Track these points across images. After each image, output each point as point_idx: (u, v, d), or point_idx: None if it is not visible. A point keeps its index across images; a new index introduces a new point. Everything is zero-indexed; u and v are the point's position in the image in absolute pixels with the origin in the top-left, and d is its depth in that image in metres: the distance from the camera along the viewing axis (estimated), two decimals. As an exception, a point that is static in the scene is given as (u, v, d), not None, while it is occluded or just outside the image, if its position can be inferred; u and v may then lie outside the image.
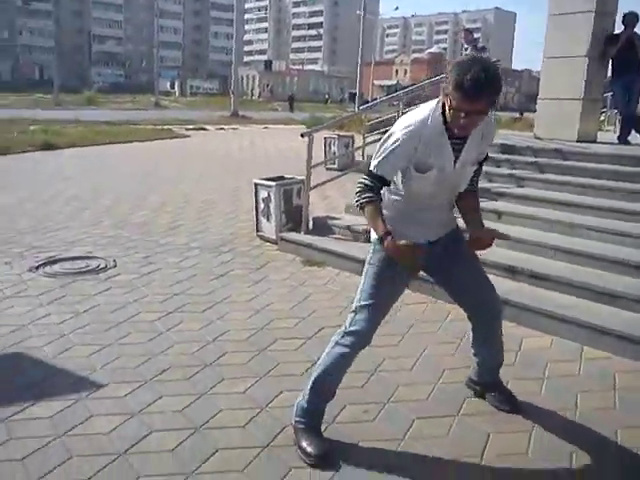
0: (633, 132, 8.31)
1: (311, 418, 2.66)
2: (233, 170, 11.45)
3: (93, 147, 14.83)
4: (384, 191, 2.53)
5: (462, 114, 2.25)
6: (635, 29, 8.07)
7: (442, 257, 2.70)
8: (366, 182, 2.47)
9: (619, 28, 8.10)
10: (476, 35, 12.55)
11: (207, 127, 22.32)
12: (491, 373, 3.04)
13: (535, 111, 9.24)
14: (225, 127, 23.16)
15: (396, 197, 2.58)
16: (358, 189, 2.49)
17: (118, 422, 2.77)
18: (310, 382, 2.67)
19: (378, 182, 2.46)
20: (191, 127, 21.68)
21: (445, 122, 2.36)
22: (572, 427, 2.87)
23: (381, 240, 2.44)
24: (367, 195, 2.46)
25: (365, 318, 2.59)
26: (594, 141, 8.20)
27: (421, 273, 2.87)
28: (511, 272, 4.53)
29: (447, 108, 2.30)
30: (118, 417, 2.81)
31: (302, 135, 6.18)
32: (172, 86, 79.82)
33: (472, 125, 2.33)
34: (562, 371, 3.42)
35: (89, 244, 5.82)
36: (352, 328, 2.61)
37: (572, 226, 5.00)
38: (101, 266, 5.10)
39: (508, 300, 4.16)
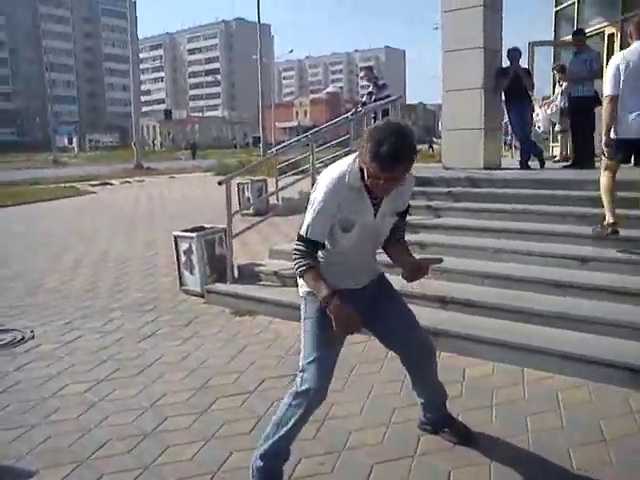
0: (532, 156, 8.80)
1: (270, 479, 2.52)
2: (145, 223, 11.13)
3: (-8, 210, 14.04)
4: None
5: (380, 181, 2.25)
6: (520, 62, 8.64)
7: (370, 304, 2.69)
8: (300, 248, 2.42)
9: (505, 62, 8.66)
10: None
11: (112, 182, 21.69)
12: (439, 410, 3.03)
13: (432, 142, 9.65)
14: (130, 180, 22.60)
15: (321, 253, 2.52)
16: (295, 256, 2.44)
17: (57, 513, 2.53)
18: (266, 446, 2.55)
19: (312, 246, 2.42)
20: (95, 183, 20.99)
21: (363, 178, 2.34)
22: (527, 453, 2.89)
23: (326, 304, 2.37)
24: (305, 262, 2.41)
25: (314, 374, 2.49)
26: (499, 167, 8.60)
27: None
28: (442, 302, 4.59)
29: (365, 174, 2.29)
30: (57, 507, 2.56)
31: (219, 183, 6.09)
32: (70, 142, 77.63)
33: (392, 188, 2.33)
34: (508, 396, 3.46)
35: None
36: (303, 388, 2.50)
37: (495, 251, 5.15)
38: (17, 338, 4.74)
39: (443, 331, 4.21)
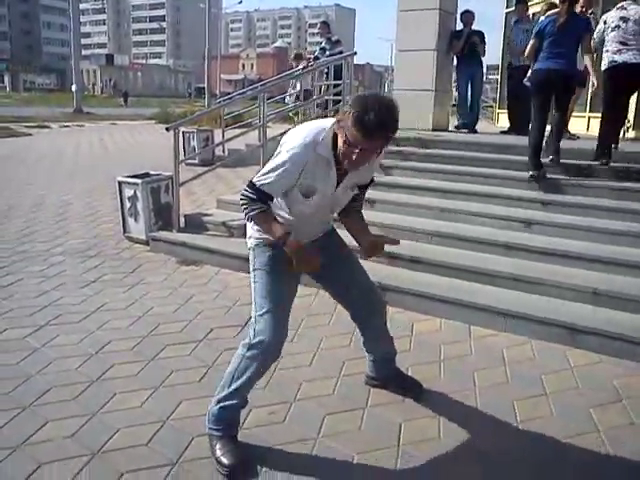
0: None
1: (226, 426, 2.51)
2: (86, 169, 10.69)
3: None
4: None
5: (356, 150, 2.18)
6: (473, 26, 8.63)
7: (321, 256, 2.65)
8: (249, 195, 2.32)
9: (459, 26, 8.66)
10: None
11: (50, 125, 20.76)
12: (389, 366, 3.05)
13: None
14: (70, 124, 21.68)
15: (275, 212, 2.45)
16: (244, 201, 2.34)
17: (-1, 458, 2.42)
18: (223, 394, 2.50)
19: (262, 197, 2.32)
20: (32, 125, 20.02)
21: (334, 148, 2.28)
22: (474, 407, 2.96)
23: (283, 243, 2.32)
24: (257, 206, 2.32)
25: (268, 326, 2.42)
26: (446, 130, 8.66)
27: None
28: (391, 258, 4.61)
29: (340, 140, 2.21)
30: (-3, 452, 2.46)
31: (167, 129, 5.88)
32: (1, 80, 73.59)
33: (364, 161, 2.27)
34: (456, 352, 3.54)
35: None
36: (257, 339, 2.43)
37: (442, 210, 5.20)
38: (-50, 281, 4.50)
39: (392, 286, 4.25)
